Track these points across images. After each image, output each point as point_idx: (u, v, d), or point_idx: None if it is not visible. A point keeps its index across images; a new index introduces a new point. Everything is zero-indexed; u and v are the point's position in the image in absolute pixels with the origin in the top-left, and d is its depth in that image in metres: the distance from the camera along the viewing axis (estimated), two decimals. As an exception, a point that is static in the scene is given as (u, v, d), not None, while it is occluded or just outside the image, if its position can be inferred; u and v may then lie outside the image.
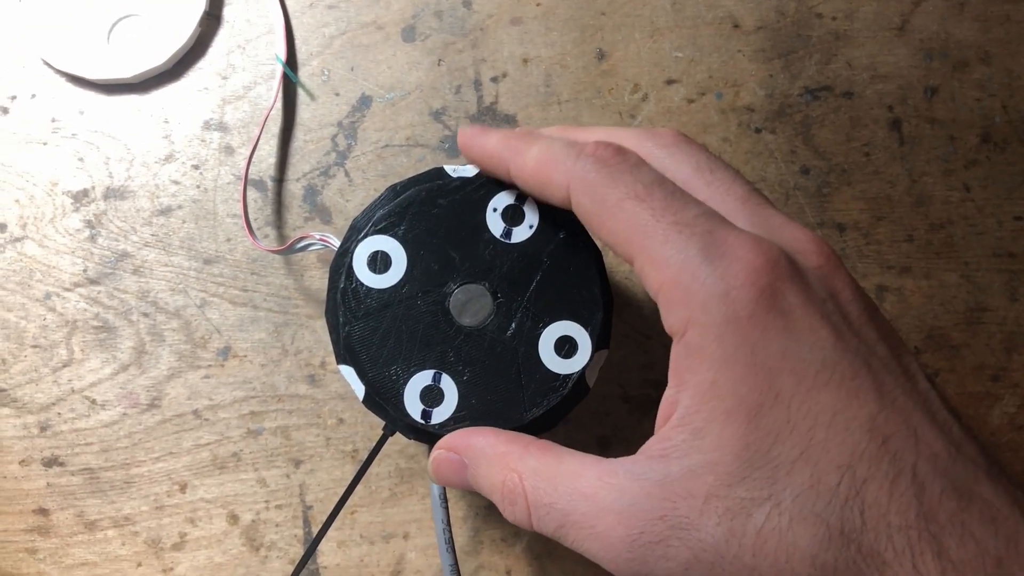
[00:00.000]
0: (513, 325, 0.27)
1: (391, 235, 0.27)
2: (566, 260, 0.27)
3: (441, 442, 0.25)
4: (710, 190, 0.23)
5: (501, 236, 0.27)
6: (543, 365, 0.27)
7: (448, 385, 0.27)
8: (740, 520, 0.19)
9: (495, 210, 0.27)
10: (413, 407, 0.26)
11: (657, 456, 0.21)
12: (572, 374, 0.27)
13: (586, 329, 0.27)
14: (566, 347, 0.27)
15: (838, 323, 0.21)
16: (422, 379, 0.26)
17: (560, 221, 0.27)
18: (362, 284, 0.27)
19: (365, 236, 0.27)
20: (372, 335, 0.27)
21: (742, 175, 0.25)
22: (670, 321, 0.21)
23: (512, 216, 0.27)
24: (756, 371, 0.20)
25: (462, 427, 0.26)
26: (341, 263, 0.27)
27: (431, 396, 0.26)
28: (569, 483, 0.22)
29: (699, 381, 0.21)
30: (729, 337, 0.20)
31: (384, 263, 0.27)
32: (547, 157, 0.24)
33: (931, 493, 0.19)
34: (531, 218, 0.27)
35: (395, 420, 0.28)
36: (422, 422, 0.26)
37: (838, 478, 0.19)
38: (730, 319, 0.20)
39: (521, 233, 0.27)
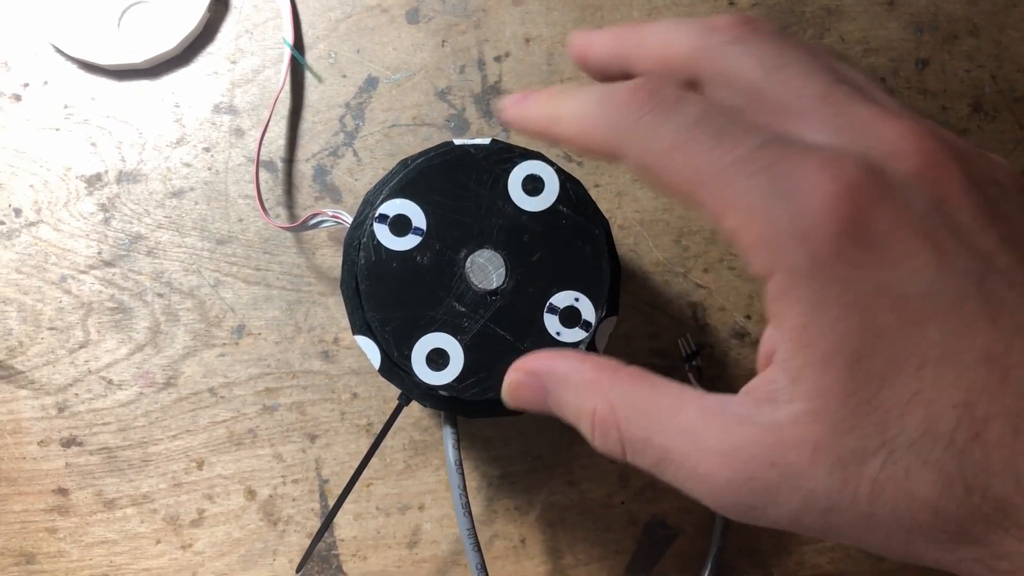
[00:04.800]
0: (523, 291, 0.27)
1: (410, 199, 0.27)
2: (577, 231, 0.28)
3: (518, 364, 0.24)
4: (782, 92, 0.20)
5: (517, 204, 0.28)
6: (550, 332, 0.27)
7: (456, 349, 0.27)
8: (853, 470, 0.18)
9: (514, 179, 0.28)
10: (420, 369, 0.27)
11: (765, 399, 0.20)
12: (579, 341, 0.27)
13: (591, 299, 0.27)
14: (573, 315, 0.27)
15: (943, 239, 0.18)
16: (430, 341, 0.27)
17: (575, 193, 0.28)
18: (381, 247, 0.27)
19: (386, 199, 0.27)
20: (388, 304, 0.27)
21: (824, 56, 0.21)
22: (754, 268, 0.19)
23: (530, 185, 0.28)
24: (851, 311, 0.18)
25: (467, 386, 0.27)
26: (356, 235, 0.28)
27: (440, 359, 0.27)
28: (668, 417, 0.20)
29: (792, 326, 0.19)
30: (817, 279, 0.18)
31: (404, 225, 0.27)
32: (584, 117, 0.21)
33: None
34: (549, 188, 0.28)
35: (411, 388, 0.29)
36: (427, 384, 0.27)
37: (955, 420, 0.17)
38: (814, 260, 0.18)
39: (537, 203, 0.28)
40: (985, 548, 0.18)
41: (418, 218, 0.27)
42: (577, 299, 0.28)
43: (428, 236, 0.27)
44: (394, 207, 0.27)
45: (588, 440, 0.22)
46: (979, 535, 0.18)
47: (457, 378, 0.27)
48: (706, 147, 0.19)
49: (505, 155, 0.28)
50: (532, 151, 0.28)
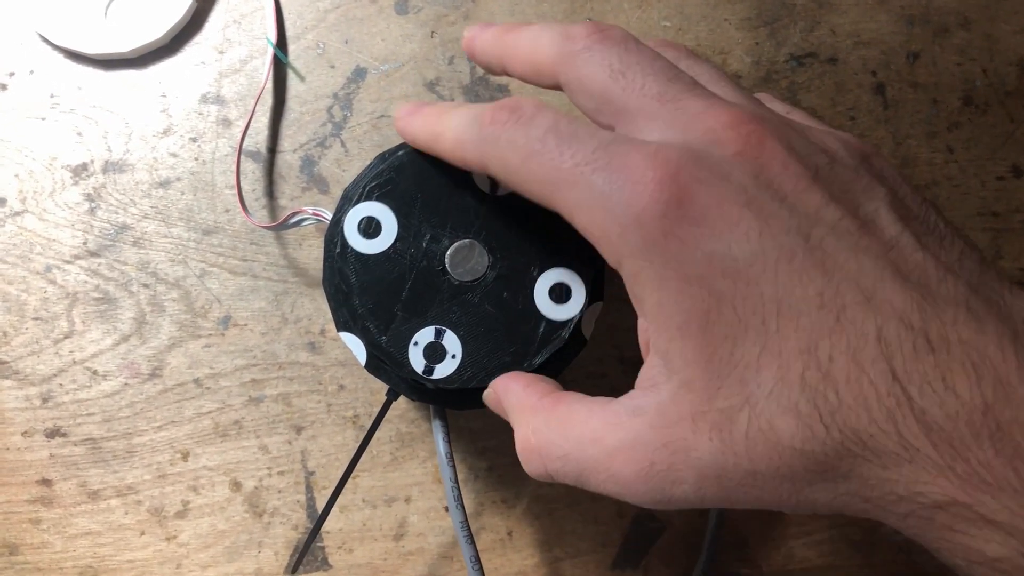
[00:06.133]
0: (507, 276, 0.27)
1: (378, 200, 0.27)
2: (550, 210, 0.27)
3: (494, 381, 0.26)
4: (624, 95, 0.22)
5: (489, 190, 0.27)
6: (540, 313, 0.27)
7: (451, 340, 0.27)
8: (727, 431, 0.19)
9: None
10: (418, 364, 0.27)
11: (648, 386, 0.21)
12: (570, 319, 0.27)
13: (580, 275, 0.27)
14: (561, 293, 0.27)
15: (765, 204, 0.20)
16: (425, 336, 0.27)
17: None
18: (356, 251, 0.27)
19: (354, 204, 0.27)
20: (370, 299, 0.27)
21: (672, 55, 0.23)
22: (608, 260, 0.21)
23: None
24: (690, 283, 0.20)
25: (462, 379, 0.27)
26: (335, 231, 0.27)
27: (434, 352, 0.27)
28: (579, 431, 0.22)
29: (650, 306, 0.20)
30: (656, 259, 0.20)
31: (375, 228, 0.27)
32: (458, 136, 0.24)
33: (903, 353, 0.18)
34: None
35: (398, 384, 0.29)
36: (426, 378, 0.27)
37: (802, 364, 0.19)
38: (649, 242, 0.20)
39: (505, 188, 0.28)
40: (856, 481, 0.19)
41: (388, 220, 0.27)
42: (563, 278, 0.27)
43: (402, 234, 0.27)
44: (364, 210, 0.27)
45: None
46: (848, 469, 0.19)
47: (456, 370, 0.27)
48: (555, 154, 0.21)
49: None
50: None
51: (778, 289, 0.19)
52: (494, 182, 0.27)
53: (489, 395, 0.27)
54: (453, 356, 0.27)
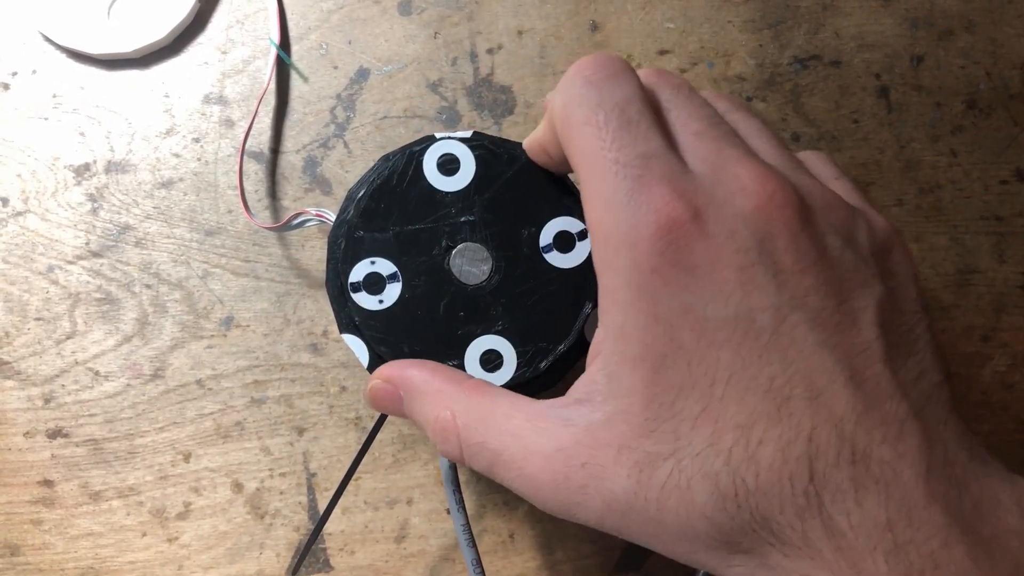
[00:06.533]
0: (512, 253, 0.27)
1: (377, 253, 0.27)
2: (521, 175, 0.27)
3: (378, 372, 0.25)
4: (670, 120, 0.22)
5: (454, 188, 0.27)
6: (555, 267, 0.27)
7: (500, 343, 0.27)
8: (647, 474, 0.20)
9: (434, 170, 0.27)
10: (477, 372, 0.26)
11: (585, 400, 0.21)
12: (579, 265, 0.27)
13: (574, 216, 0.27)
14: (564, 241, 0.27)
15: (756, 276, 0.20)
16: (476, 349, 0.27)
17: (495, 145, 0.27)
18: (368, 310, 0.27)
19: (352, 252, 0.27)
20: (416, 345, 0.27)
21: (704, 106, 0.23)
22: (595, 259, 0.21)
23: (450, 166, 0.27)
24: (658, 322, 0.20)
25: (522, 372, 0.27)
26: (340, 232, 0.27)
27: (492, 359, 0.27)
28: (500, 423, 0.22)
29: (612, 323, 0.21)
30: (634, 286, 0.20)
31: (376, 275, 0.27)
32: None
33: (826, 459, 0.18)
34: (467, 159, 0.27)
35: None
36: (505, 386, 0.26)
37: (734, 439, 0.19)
38: (635, 269, 0.20)
39: (465, 177, 0.27)
40: (756, 560, 0.19)
41: (388, 270, 0.27)
42: (564, 225, 0.27)
43: (405, 279, 0.27)
44: (365, 268, 0.27)
45: (434, 444, 0.24)
46: (750, 547, 0.19)
47: (515, 372, 0.27)
48: (605, 136, 0.21)
49: (422, 149, 0.27)
50: (473, 137, 0.27)
51: (735, 361, 0.19)
52: (449, 179, 0.27)
53: (377, 386, 0.25)
54: (510, 361, 0.27)
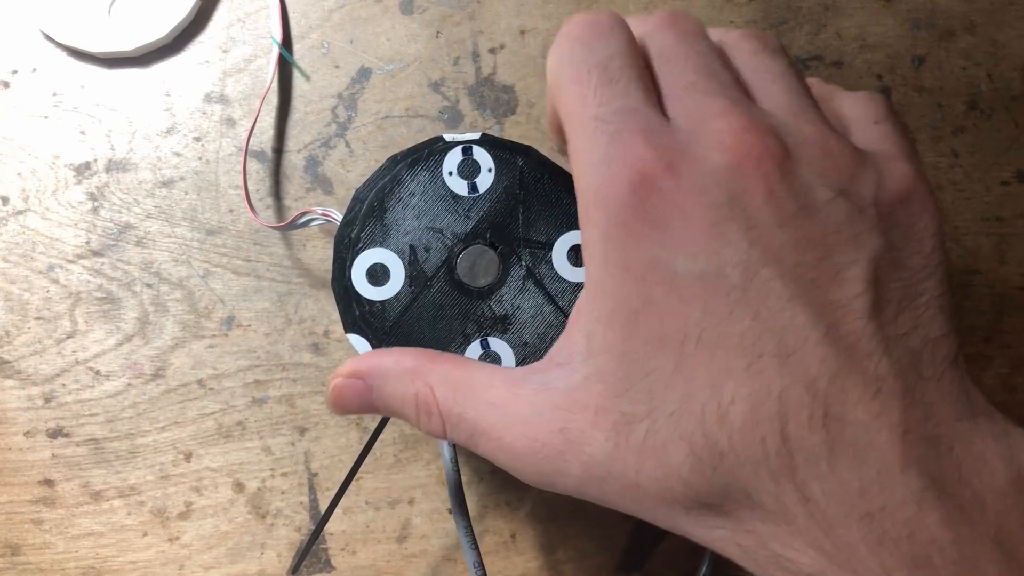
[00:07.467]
0: (523, 261, 0.27)
1: (383, 253, 0.27)
2: (538, 182, 0.27)
3: (340, 370, 0.24)
4: (663, 80, 0.22)
5: (468, 192, 0.27)
6: (566, 280, 0.27)
7: (501, 347, 0.27)
8: (624, 435, 0.19)
9: (451, 173, 0.27)
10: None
11: (563, 362, 0.21)
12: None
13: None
14: (579, 254, 0.27)
15: (727, 231, 0.19)
16: (474, 351, 0.27)
17: (512, 150, 0.27)
18: (370, 299, 0.27)
19: (359, 252, 0.27)
20: (386, 315, 0.27)
21: (705, 55, 0.22)
22: (579, 216, 0.21)
23: (467, 169, 0.27)
24: (628, 277, 0.19)
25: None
26: (347, 232, 0.27)
27: (491, 362, 0.27)
28: (480, 393, 0.22)
29: (590, 279, 0.20)
30: (607, 241, 0.19)
31: (382, 274, 0.27)
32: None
33: (797, 421, 0.18)
34: (485, 162, 0.27)
35: None
36: None
37: (704, 399, 0.18)
38: (608, 222, 0.19)
39: (484, 181, 0.27)
40: (734, 522, 0.19)
41: (394, 263, 0.27)
42: (577, 239, 0.27)
43: (411, 280, 0.27)
44: (369, 258, 0.27)
45: (413, 424, 0.23)
46: (728, 510, 0.19)
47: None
48: (588, 92, 0.20)
49: (438, 150, 0.27)
50: (484, 140, 0.27)
51: (705, 317, 0.19)
52: (470, 183, 0.27)
53: (341, 383, 0.24)
54: (507, 360, 0.27)
